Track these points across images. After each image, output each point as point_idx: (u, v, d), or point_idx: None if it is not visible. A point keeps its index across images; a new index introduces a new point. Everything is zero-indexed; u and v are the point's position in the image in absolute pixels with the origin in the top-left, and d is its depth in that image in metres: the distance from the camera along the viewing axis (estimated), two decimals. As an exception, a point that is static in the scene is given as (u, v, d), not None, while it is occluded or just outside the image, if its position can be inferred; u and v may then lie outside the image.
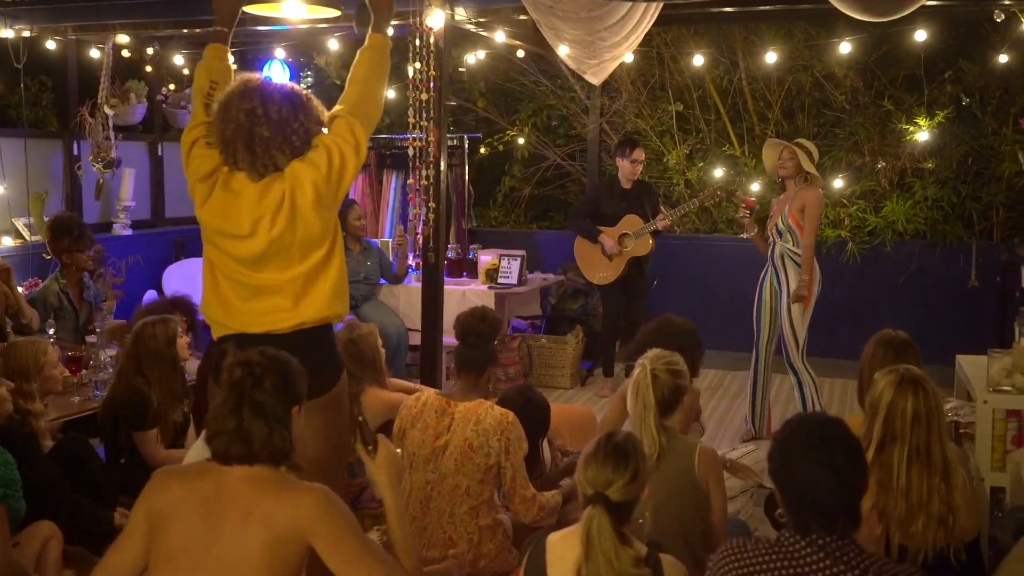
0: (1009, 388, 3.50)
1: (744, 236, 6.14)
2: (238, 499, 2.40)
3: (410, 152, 5.11)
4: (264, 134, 3.00)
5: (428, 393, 3.91)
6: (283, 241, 3.06)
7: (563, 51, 5.11)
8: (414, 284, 7.27)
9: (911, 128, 7.46)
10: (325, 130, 3.15)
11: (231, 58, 3.41)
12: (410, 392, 4.69)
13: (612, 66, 5.03)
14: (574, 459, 4.48)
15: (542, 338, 7.76)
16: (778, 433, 2.44)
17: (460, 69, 8.30)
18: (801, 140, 6.03)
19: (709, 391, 7.56)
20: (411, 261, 7.46)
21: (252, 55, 7.75)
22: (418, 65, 5.05)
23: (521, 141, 9.02)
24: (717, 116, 8.47)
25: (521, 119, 9.08)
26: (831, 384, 7.67)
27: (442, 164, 5.32)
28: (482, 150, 8.99)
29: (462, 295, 7.12)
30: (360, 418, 2.78)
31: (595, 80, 5.38)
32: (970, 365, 4.07)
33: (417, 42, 5.05)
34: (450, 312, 7.15)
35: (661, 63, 8.43)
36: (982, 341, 7.35)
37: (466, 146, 8.39)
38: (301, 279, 3.11)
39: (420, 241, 5.55)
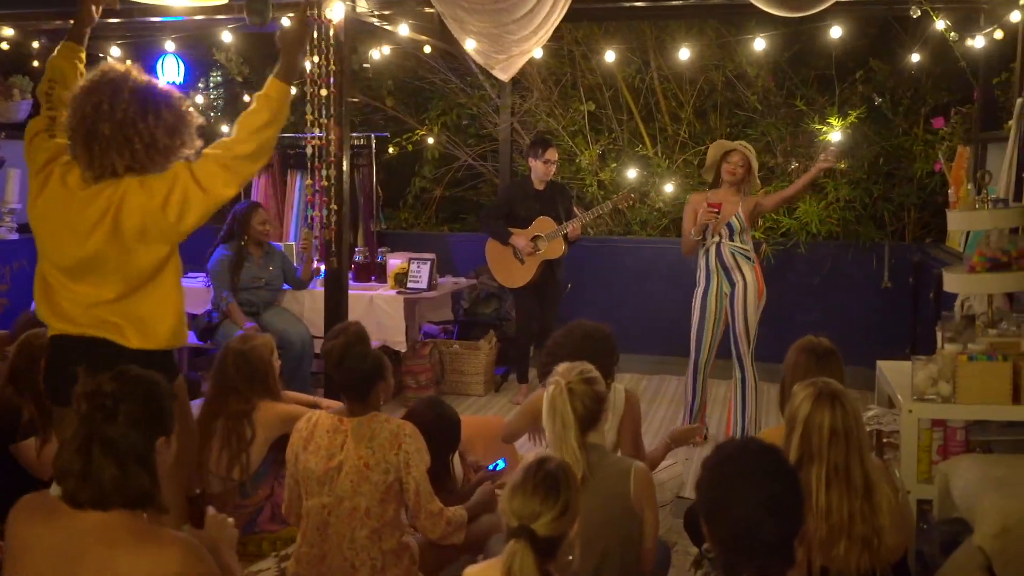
0: (934, 397, 3.37)
1: (695, 237, 5.85)
2: (88, 556, 2.09)
3: (309, 151, 4.82)
4: (104, 132, 2.78)
5: (319, 413, 3.64)
6: (96, 260, 2.87)
7: (470, 45, 4.88)
8: (319, 289, 6.95)
9: (824, 128, 7.41)
10: (188, 152, 2.91)
11: (82, 57, 3.21)
12: (309, 405, 4.43)
13: (521, 61, 4.82)
14: (486, 474, 4.26)
15: (454, 344, 7.52)
16: (709, 463, 2.23)
17: (364, 65, 8.00)
18: (747, 144, 5.94)
19: (625, 396, 7.41)
20: (316, 265, 7.15)
21: (144, 49, 7.34)
22: (316, 59, 4.76)
23: (431, 141, 8.76)
24: (630, 116, 8.33)
25: (431, 118, 8.81)
26: (747, 387, 7.59)
27: (344, 164, 5.04)
28: (391, 150, 8.70)
29: (369, 301, 6.84)
30: (197, 491, 2.55)
31: (503, 76, 5.16)
32: (891, 371, 3.95)
33: (315, 34, 4.77)
34: (357, 318, 6.88)
35: (572, 61, 8.26)
36: (896, 342, 7.38)
37: (373, 145, 8.09)
38: (123, 307, 2.91)
39: (321, 245, 5.26)
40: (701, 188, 7.88)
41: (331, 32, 4.81)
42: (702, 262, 5.89)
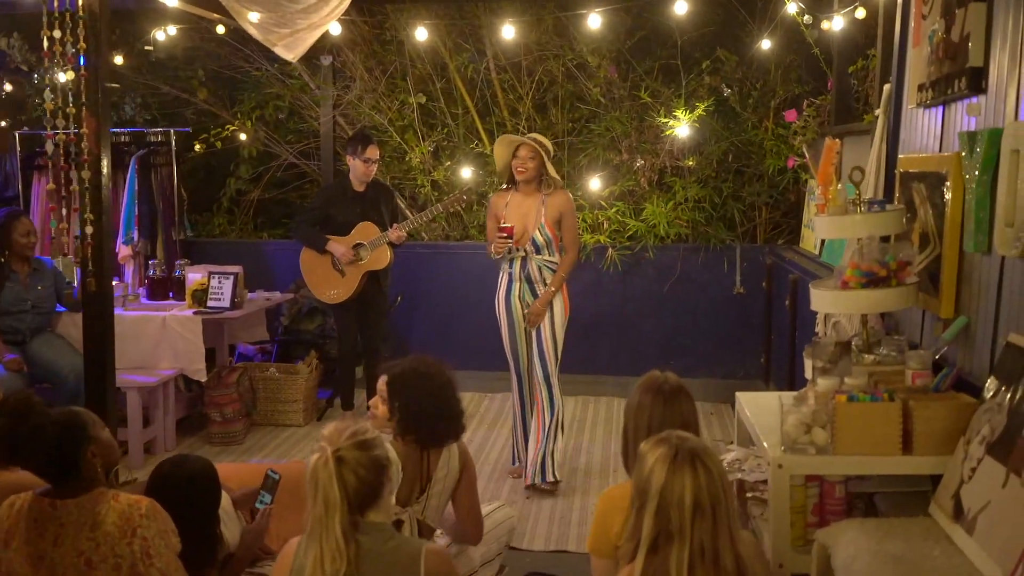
0: (808, 447, 2.74)
1: (496, 257, 5.27)
2: None
3: (49, 148, 3.90)
4: None
5: (25, 495, 2.77)
6: None
7: (253, 18, 4.05)
8: (103, 311, 5.98)
9: (670, 122, 6.85)
10: None
11: None
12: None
13: (310, 38, 4.02)
14: (256, 525, 3.45)
15: (270, 367, 6.65)
16: None
17: (147, 48, 7.00)
18: (536, 136, 5.30)
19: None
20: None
21: None
22: (57, 33, 3.84)
23: (243, 137, 7.81)
24: (465, 110, 7.59)
25: (243, 112, 7.87)
26: (595, 404, 7.00)
27: (104, 164, 4.12)
28: (197, 147, 7.71)
29: (162, 323, 5.90)
30: None
31: (289, 55, 4.35)
32: (754, 407, 3.32)
33: (55, 3, 3.84)
34: (148, 344, 5.94)
35: (400, 49, 7.47)
36: (751, 352, 6.90)
37: (173, 142, 7.11)
38: None
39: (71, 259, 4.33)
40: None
41: (79, 2, 3.89)
42: (505, 266, 5.30)
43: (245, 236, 8.12)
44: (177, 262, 6.53)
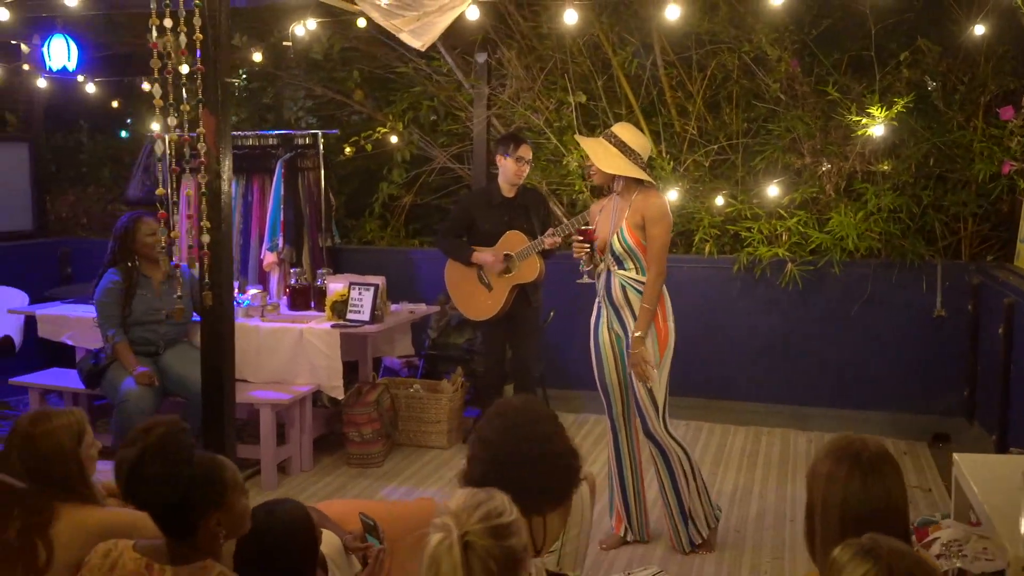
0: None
1: (584, 270, 4.44)
2: None
3: (158, 150, 3.55)
4: None
5: (124, 545, 2.40)
6: None
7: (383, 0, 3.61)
8: (240, 320, 5.70)
9: (861, 121, 6.05)
10: None
11: None
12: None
13: (440, 23, 3.52)
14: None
15: (415, 383, 6.25)
16: None
17: (285, 43, 6.70)
18: (614, 128, 4.37)
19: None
20: (248, 293, 5.93)
21: (31, 26, 6.10)
22: (168, 23, 3.49)
23: (394, 139, 7.46)
24: (629, 110, 6.99)
25: (394, 113, 7.52)
26: (768, 436, 6.26)
27: (225, 167, 3.76)
28: (347, 150, 7.41)
29: (300, 336, 5.56)
30: None
31: (417, 43, 3.86)
32: (978, 473, 2.60)
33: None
34: (285, 357, 5.62)
35: (559, 44, 6.94)
36: (953, 385, 6.00)
37: (321, 145, 6.80)
38: None
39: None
40: (710, 188, 6.59)
41: (195, -10, 3.53)
42: (597, 286, 4.43)
43: (396, 243, 7.77)
44: (319, 271, 6.20)
